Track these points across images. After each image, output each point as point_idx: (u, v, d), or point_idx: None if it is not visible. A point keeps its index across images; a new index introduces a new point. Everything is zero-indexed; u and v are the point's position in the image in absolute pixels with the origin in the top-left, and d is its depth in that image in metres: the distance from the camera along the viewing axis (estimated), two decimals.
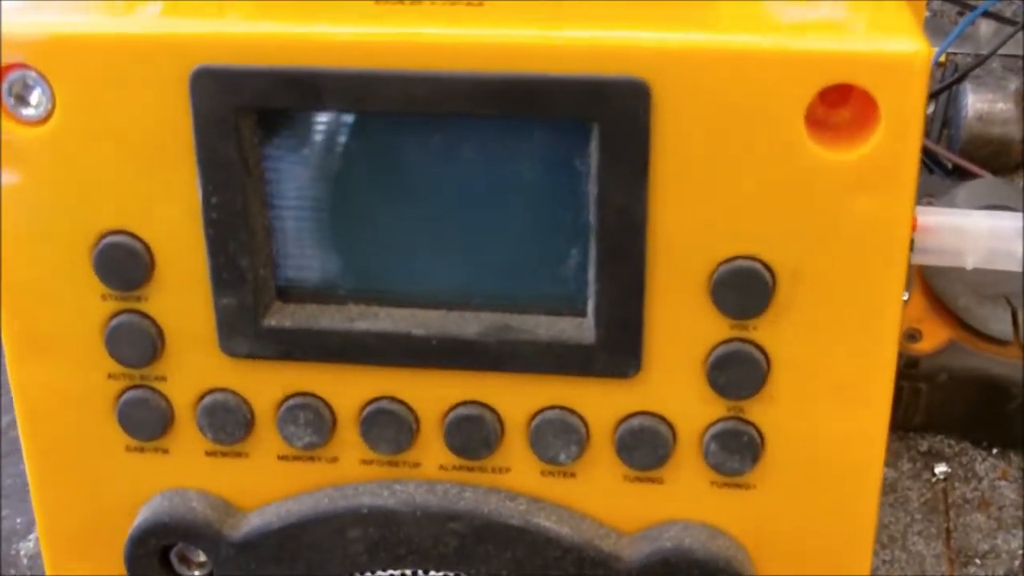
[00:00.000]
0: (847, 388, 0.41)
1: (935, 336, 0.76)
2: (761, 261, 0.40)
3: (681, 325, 0.41)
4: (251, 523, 0.45)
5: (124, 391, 0.44)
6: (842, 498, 0.43)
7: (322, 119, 0.41)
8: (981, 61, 0.94)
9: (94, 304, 0.43)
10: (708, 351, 0.41)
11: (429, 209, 0.42)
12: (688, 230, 0.39)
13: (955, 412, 0.77)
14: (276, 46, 0.39)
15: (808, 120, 0.38)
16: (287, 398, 0.44)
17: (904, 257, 0.39)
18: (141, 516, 0.46)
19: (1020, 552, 0.71)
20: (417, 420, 0.44)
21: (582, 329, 0.41)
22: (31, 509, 0.48)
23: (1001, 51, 0.94)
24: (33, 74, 0.40)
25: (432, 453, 0.44)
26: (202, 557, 0.47)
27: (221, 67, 0.39)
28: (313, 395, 0.44)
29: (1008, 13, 0.97)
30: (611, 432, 0.43)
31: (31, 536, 0.70)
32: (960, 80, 0.94)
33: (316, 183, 0.42)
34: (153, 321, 0.43)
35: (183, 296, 0.43)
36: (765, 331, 0.41)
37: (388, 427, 0.44)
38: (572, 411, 0.43)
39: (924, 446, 0.78)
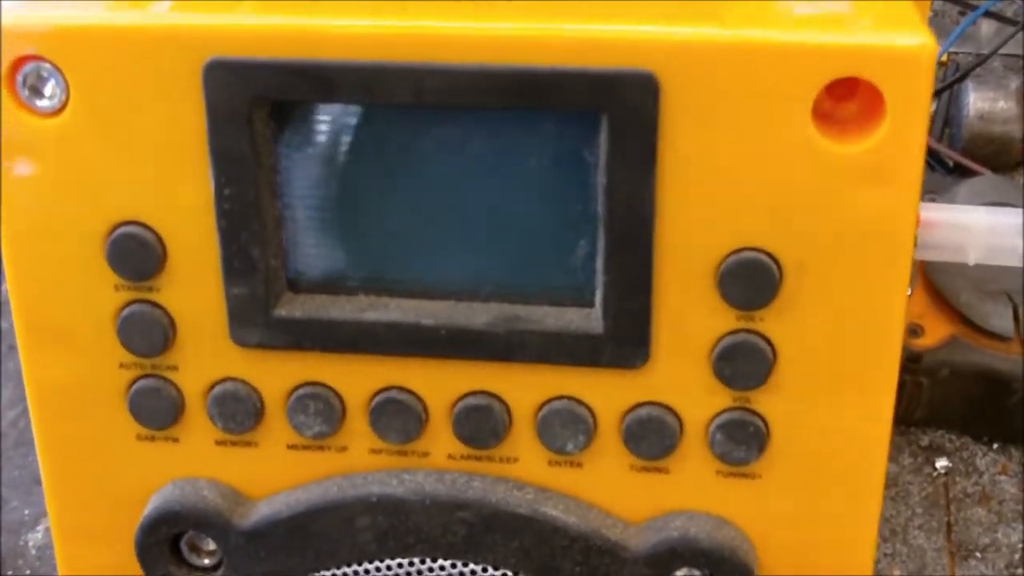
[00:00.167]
0: (852, 379, 0.41)
1: (937, 331, 0.77)
2: (767, 253, 0.40)
3: (688, 316, 0.41)
4: (261, 512, 0.46)
5: (135, 380, 0.45)
6: (846, 488, 0.43)
7: (333, 111, 0.41)
8: (982, 60, 0.95)
9: (106, 294, 0.43)
10: (715, 342, 0.41)
11: (438, 200, 0.42)
12: (695, 222, 0.40)
13: (956, 407, 0.77)
14: (288, 38, 0.39)
15: (815, 113, 0.38)
16: (297, 388, 0.44)
17: (909, 249, 0.40)
18: (152, 505, 0.46)
19: (1020, 546, 0.72)
20: (426, 410, 0.44)
21: (590, 320, 0.42)
22: (40, 501, 0.48)
23: (1002, 50, 0.94)
24: (47, 66, 0.41)
25: (441, 443, 0.45)
26: (212, 545, 0.47)
27: (234, 59, 0.39)
28: (323, 385, 0.44)
29: (1009, 13, 0.97)
30: (618, 422, 0.43)
31: (39, 527, 0.70)
32: (962, 79, 0.95)
33: (327, 174, 0.42)
34: (165, 311, 0.43)
35: (195, 286, 0.43)
36: (771, 322, 0.41)
37: (397, 417, 0.44)
38: (580, 401, 0.43)
39: (925, 441, 0.78)
